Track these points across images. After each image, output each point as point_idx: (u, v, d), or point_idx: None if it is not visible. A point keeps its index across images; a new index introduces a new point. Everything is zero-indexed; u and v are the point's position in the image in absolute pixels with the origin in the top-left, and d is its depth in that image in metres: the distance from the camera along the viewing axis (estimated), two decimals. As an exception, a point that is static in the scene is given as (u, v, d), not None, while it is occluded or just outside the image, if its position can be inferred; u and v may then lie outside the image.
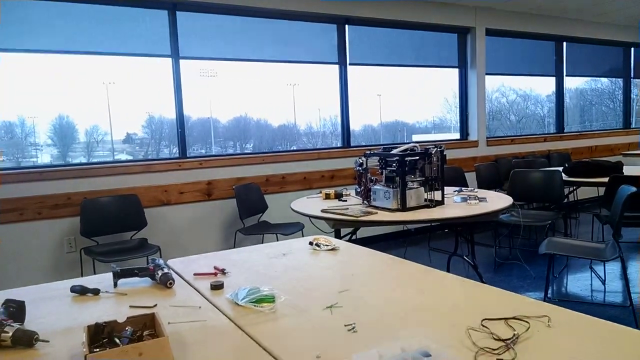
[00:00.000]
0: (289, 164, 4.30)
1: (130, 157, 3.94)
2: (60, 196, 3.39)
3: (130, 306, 1.31)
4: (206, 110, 4.17)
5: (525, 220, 3.67)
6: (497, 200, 2.79)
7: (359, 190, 2.93)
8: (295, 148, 4.63)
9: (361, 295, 1.33)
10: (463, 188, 3.34)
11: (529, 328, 1.06)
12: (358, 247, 1.88)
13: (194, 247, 3.87)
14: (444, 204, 2.72)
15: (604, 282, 3.42)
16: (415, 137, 5.44)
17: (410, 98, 5.30)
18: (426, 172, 2.65)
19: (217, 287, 1.42)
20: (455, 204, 2.74)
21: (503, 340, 1.00)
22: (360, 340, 1.05)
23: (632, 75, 7.10)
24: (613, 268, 3.67)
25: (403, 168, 2.57)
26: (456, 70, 5.46)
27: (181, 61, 3.84)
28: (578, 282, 3.47)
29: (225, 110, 4.29)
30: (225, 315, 1.23)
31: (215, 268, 1.61)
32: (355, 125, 4.83)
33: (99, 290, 1.43)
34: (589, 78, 6.93)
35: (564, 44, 6.26)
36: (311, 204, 2.99)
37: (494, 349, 0.97)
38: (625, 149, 6.70)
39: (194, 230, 3.90)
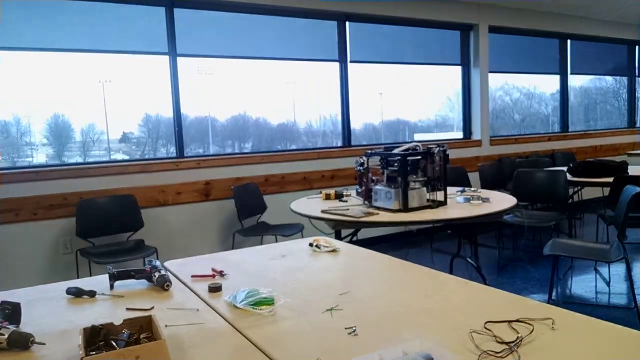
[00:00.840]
0: (288, 164, 4.28)
1: (126, 157, 3.93)
2: (56, 196, 3.38)
3: (127, 308, 1.30)
4: (204, 108, 4.15)
5: (529, 221, 3.65)
6: (500, 201, 2.77)
7: (359, 190, 2.91)
8: (294, 147, 4.62)
9: (362, 298, 1.31)
10: (466, 188, 3.32)
11: (532, 331, 1.05)
12: (359, 249, 1.86)
13: (192, 248, 3.85)
14: (446, 204, 2.70)
15: (608, 284, 3.40)
16: (417, 136, 5.42)
17: (412, 96, 5.28)
18: (428, 172, 2.63)
19: (215, 289, 1.41)
20: (458, 205, 2.72)
21: (506, 343, 0.99)
22: (361, 343, 1.04)
23: (636, 74, 7.08)
24: (618, 269, 3.65)
25: (405, 168, 2.55)
26: (459, 68, 5.44)
27: (178, 59, 3.83)
28: (582, 284, 3.44)
29: (223, 109, 4.28)
30: (224, 318, 1.22)
31: (213, 270, 1.60)
32: (356, 124, 4.82)
33: (95, 292, 1.42)
34: (593, 76, 6.91)
35: (568, 41, 6.25)
36: (311, 204, 2.97)
37: (497, 352, 0.96)
38: (630, 149, 6.67)
39: (192, 231, 3.89)
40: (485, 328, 1.07)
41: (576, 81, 6.63)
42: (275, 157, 4.24)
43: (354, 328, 1.11)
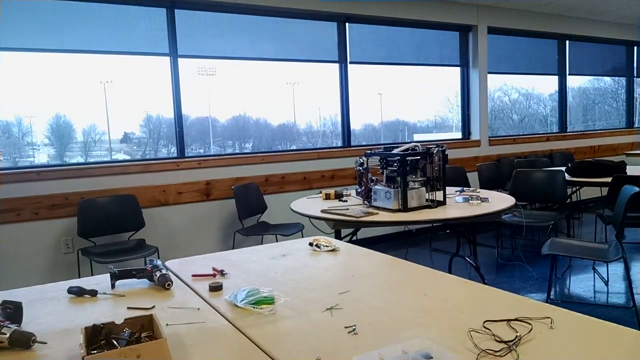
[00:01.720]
0: (288, 164, 4.29)
1: (128, 157, 3.93)
2: (57, 196, 3.38)
3: (128, 307, 1.30)
4: (205, 109, 4.16)
5: (528, 221, 3.65)
6: (499, 201, 2.78)
7: (359, 190, 2.91)
8: (295, 148, 4.62)
9: (362, 297, 1.32)
10: (465, 188, 3.32)
11: (531, 330, 1.05)
12: (358, 248, 1.87)
13: (193, 248, 3.86)
14: (445, 204, 2.71)
15: (606, 283, 3.41)
16: (417, 137, 5.43)
17: (412, 97, 5.29)
18: (428, 172, 2.64)
19: (215, 288, 1.42)
20: (457, 204, 2.72)
21: (505, 342, 0.99)
22: (360, 342, 1.05)
23: (635, 74, 7.09)
24: (616, 269, 3.66)
25: (404, 168, 2.55)
26: (458, 69, 5.45)
27: (179, 60, 3.83)
28: (581, 283, 3.45)
29: (224, 110, 4.28)
30: (224, 317, 1.22)
31: (213, 269, 1.60)
32: (355, 125, 4.82)
33: (97, 291, 1.42)
34: (591, 77, 6.91)
35: (567, 42, 6.25)
36: (311, 204, 2.98)
37: (496, 351, 0.96)
38: (628, 149, 6.68)
39: (193, 231, 3.89)
40: (484, 327, 1.07)
41: (574, 82, 6.64)
42: (275, 157, 4.24)
43: (353, 327, 1.12)
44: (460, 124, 5.56)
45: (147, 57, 3.77)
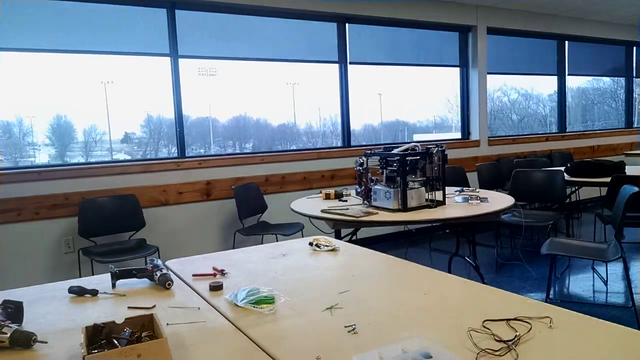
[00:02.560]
0: (288, 164, 4.29)
1: (128, 157, 3.94)
2: (58, 196, 3.38)
3: (129, 307, 1.31)
4: (205, 109, 4.16)
5: (527, 221, 3.66)
6: (498, 201, 2.78)
7: (359, 190, 2.92)
8: (295, 148, 4.63)
9: (362, 296, 1.32)
10: (464, 188, 3.33)
11: (530, 329, 1.05)
12: (358, 248, 1.87)
13: (193, 247, 3.86)
14: (445, 204, 2.71)
15: (606, 283, 3.41)
16: (416, 137, 5.43)
17: (411, 97, 5.29)
18: (427, 172, 2.64)
19: (216, 288, 1.42)
20: (457, 204, 2.73)
21: (504, 342, 0.99)
22: (360, 341, 1.05)
23: (634, 75, 7.09)
24: (615, 269, 3.66)
25: (404, 168, 2.55)
26: (457, 69, 5.45)
27: (180, 60, 3.84)
28: (580, 283, 3.45)
29: (224, 110, 4.29)
30: (225, 317, 1.22)
31: (214, 269, 1.60)
32: (355, 125, 4.82)
33: (97, 291, 1.42)
34: (591, 77, 6.92)
35: (566, 42, 6.25)
36: (311, 204, 2.98)
37: (495, 350, 0.96)
38: (627, 149, 6.68)
39: (193, 230, 3.89)
40: (484, 326, 1.08)
41: (574, 82, 6.65)
42: (275, 157, 4.25)
43: (353, 326, 1.12)
44: (460, 124, 5.57)
45: (147, 58, 3.78)
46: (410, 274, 1.51)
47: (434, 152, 2.64)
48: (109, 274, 1.50)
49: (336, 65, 4.62)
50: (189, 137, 4.02)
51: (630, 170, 3.84)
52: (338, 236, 3.08)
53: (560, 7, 5.58)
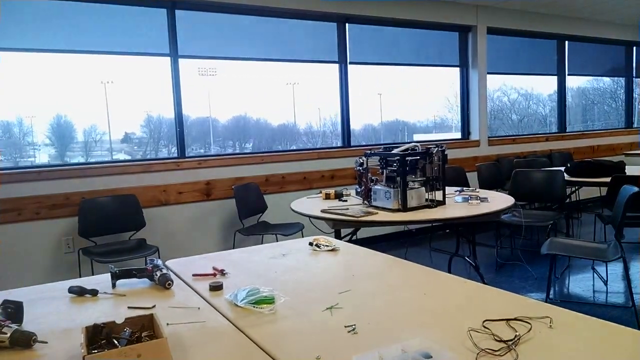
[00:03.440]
0: (288, 164, 4.29)
1: (128, 157, 3.94)
2: (58, 196, 3.38)
3: (129, 307, 1.31)
4: (205, 109, 4.16)
5: (527, 221, 3.66)
6: (498, 200, 2.78)
7: (359, 190, 2.92)
8: (295, 148, 4.63)
9: (361, 296, 1.32)
10: (464, 188, 3.33)
11: (530, 329, 1.05)
12: (358, 248, 1.87)
13: (193, 247, 3.86)
14: (445, 204, 2.71)
15: (606, 283, 3.41)
16: (416, 137, 5.44)
17: (411, 97, 5.30)
18: (427, 172, 2.64)
19: (216, 288, 1.42)
20: (457, 204, 2.73)
21: (504, 342, 1.00)
22: (360, 341, 1.05)
23: (634, 75, 7.09)
24: (615, 269, 3.66)
25: (404, 168, 2.56)
26: (457, 69, 5.45)
27: (180, 60, 3.84)
28: (580, 283, 3.45)
29: (224, 110, 4.29)
30: (225, 317, 1.22)
31: (214, 269, 1.60)
32: (355, 125, 4.82)
33: (97, 291, 1.42)
34: (591, 77, 6.92)
35: (566, 42, 6.25)
36: (311, 204, 2.98)
37: (495, 350, 0.96)
38: (627, 149, 6.68)
39: (193, 230, 3.89)
40: (484, 326, 1.08)
41: (574, 82, 6.65)
42: (275, 157, 4.25)
43: (353, 326, 1.12)
44: (460, 124, 5.57)
45: (147, 58, 3.78)
46: (410, 274, 1.51)
47: (434, 152, 2.64)
48: (109, 274, 1.50)
49: (336, 65, 4.62)
50: (189, 137, 4.02)
51: (630, 170, 3.84)
52: (338, 236, 3.08)
53: (560, 7, 5.58)
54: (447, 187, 2.79)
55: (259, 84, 4.34)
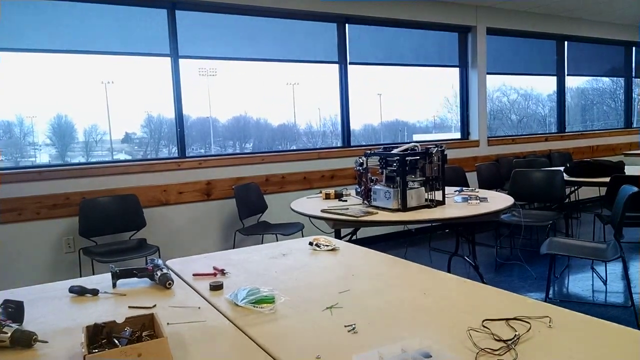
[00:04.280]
0: (288, 164, 4.29)
1: (129, 157, 3.94)
2: (58, 196, 3.38)
3: (129, 307, 1.31)
4: (205, 109, 4.16)
5: (527, 221, 3.66)
6: (498, 200, 2.78)
7: (359, 190, 2.92)
8: (295, 148, 4.63)
9: (361, 296, 1.32)
10: (464, 188, 3.33)
11: (530, 329, 1.05)
12: (358, 248, 1.87)
13: (193, 247, 3.86)
14: (444, 204, 2.71)
15: (605, 283, 3.41)
16: (416, 137, 5.44)
17: (411, 97, 5.30)
18: (427, 172, 2.64)
19: (216, 287, 1.42)
20: (456, 204, 2.73)
21: (504, 341, 1.00)
22: (360, 340, 1.05)
23: (633, 75, 7.09)
24: (614, 268, 3.66)
25: (404, 168, 2.56)
26: (457, 70, 5.45)
27: (180, 60, 3.84)
28: (579, 283, 3.46)
29: (224, 110, 4.29)
30: (225, 316, 1.22)
31: (214, 268, 1.60)
32: (355, 125, 4.83)
33: (98, 290, 1.42)
34: (590, 77, 6.92)
35: (566, 43, 6.25)
36: (311, 204, 2.98)
37: (494, 350, 0.96)
38: (626, 149, 6.69)
39: (193, 230, 3.90)
40: (483, 326, 1.08)
41: (573, 82, 6.65)
42: (275, 157, 4.25)
43: (353, 326, 1.12)
44: (459, 124, 5.57)
45: (148, 58, 3.78)
46: (410, 274, 1.51)
47: (434, 152, 2.64)
48: (110, 273, 1.50)
49: (336, 66, 4.62)
50: (189, 137, 4.02)
51: (629, 170, 3.84)
52: (338, 236, 3.08)
53: (559, 8, 5.59)
54: (446, 187, 2.79)
55: (259, 84, 4.34)
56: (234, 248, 2.02)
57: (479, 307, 1.20)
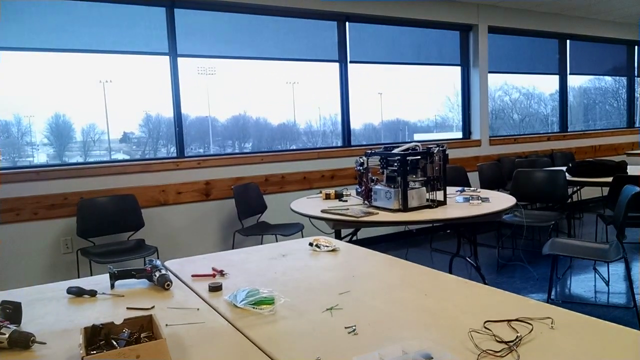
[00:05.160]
0: (288, 164, 4.28)
1: (127, 157, 3.93)
2: (56, 196, 3.38)
3: (128, 308, 1.30)
4: (204, 108, 4.15)
5: (529, 221, 3.65)
6: (499, 201, 2.77)
7: (359, 190, 2.91)
8: (295, 147, 4.62)
9: (362, 297, 1.31)
10: (465, 188, 3.32)
11: (532, 330, 1.05)
12: (359, 248, 1.86)
13: (192, 248, 3.86)
14: (446, 204, 2.70)
15: (607, 283, 3.40)
16: (417, 136, 5.43)
17: (412, 96, 5.29)
18: (428, 171, 2.63)
19: (215, 288, 1.41)
20: (458, 204, 2.72)
21: (506, 342, 0.99)
22: (361, 342, 1.04)
23: (636, 74, 7.08)
24: (617, 269, 3.65)
25: (404, 168, 2.55)
26: (458, 68, 5.45)
27: (179, 59, 3.83)
28: (582, 283, 3.45)
29: (223, 109, 4.28)
30: (224, 318, 1.22)
31: (213, 269, 1.60)
32: (355, 124, 4.82)
33: (96, 291, 1.42)
34: (592, 76, 6.91)
35: (568, 41, 6.24)
36: (311, 204, 2.97)
37: (496, 351, 0.96)
38: (629, 149, 6.68)
39: (192, 231, 3.89)
40: (485, 327, 1.07)
41: (575, 81, 6.64)
42: (275, 157, 4.24)
43: (353, 327, 1.11)
44: (461, 124, 5.56)
45: (146, 57, 3.77)
46: (411, 275, 1.50)
47: (435, 151, 2.63)
48: (108, 274, 1.49)
49: (336, 64, 4.61)
50: (188, 136, 4.01)
51: (632, 170, 3.83)
52: (338, 236, 3.07)
53: (561, 6, 5.58)
54: (448, 187, 2.78)
55: (258, 83, 4.33)
56: (233, 249, 2.01)
57: (481, 308, 1.19)
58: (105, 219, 3.41)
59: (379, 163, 2.71)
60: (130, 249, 3.36)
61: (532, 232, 4.79)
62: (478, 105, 5.41)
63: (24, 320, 1.21)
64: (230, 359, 1.00)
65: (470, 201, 2.76)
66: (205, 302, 1.33)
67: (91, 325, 1.04)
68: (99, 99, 3.65)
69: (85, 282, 1.50)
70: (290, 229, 3.68)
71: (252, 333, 1.11)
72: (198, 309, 1.27)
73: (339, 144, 4.74)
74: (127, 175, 3.62)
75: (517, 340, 1.00)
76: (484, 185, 4.37)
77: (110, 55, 3.64)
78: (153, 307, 1.29)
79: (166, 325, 1.16)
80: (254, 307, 1.24)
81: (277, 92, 4.45)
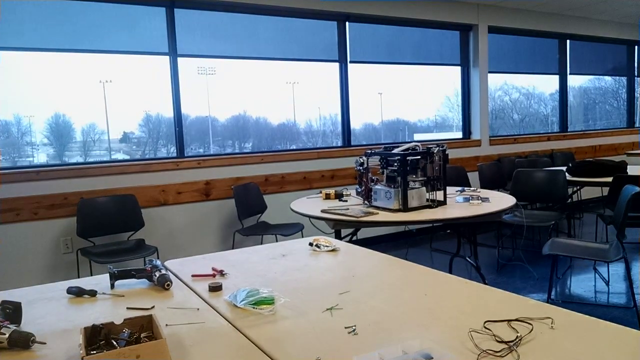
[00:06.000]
0: (288, 164, 4.28)
1: (127, 157, 3.93)
2: (56, 196, 3.38)
3: (128, 308, 1.30)
4: (204, 108, 4.15)
5: (529, 221, 3.65)
6: (500, 201, 2.77)
7: (359, 190, 2.91)
8: (294, 147, 4.62)
9: (362, 297, 1.31)
10: (465, 188, 3.32)
11: (532, 330, 1.05)
12: (359, 248, 1.86)
13: (192, 248, 3.86)
14: (446, 204, 2.70)
15: (607, 283, 3.40)
16: (417, 136, 5.43)
17: (412, 96, 5.29)
18: (428, 171, 2.63)
19: (215, 288, 1.41)
20: (458, 204, 2.72)
21: (506, 343, 0.99)
22: (361, 342, 1.04)
23: (636, 74, 7.08)
24: (617, 269, 3.65)
25: (404, 168, 2.55)
26: (458, 68, 5.44)
27: (179, 59, 3.83)
28: (582, 283, 3.44)
29: (223, 109, 4.28)
30: (224, 318, 1.22)
31: (213, 269, 1.60)
32: (355, 124, 4.82)
33: (96, 291, 1.42)
34: (592, 76, 6.91)
35: (568, 41, 6.24)
36: (311, 204, 2.97)
37: (496, 351, 0.96)
38: (629, 149, 6.68)
39: (192, 231, 3.89)
40: (485, 327, 1.07)
41: (575, 81, 6.64)
42: (275, 157, 4.24)
43: (353, 327, 1.11)
44: (461, 124, 5.56)
45: (146, 57, 3.77)
46: (410, 275, 1.50)
47: (435, 151, 2.63)
48: (108, 274, 1.49)
49: (336, 64, 4.61)
50: (188, 136, 4.01)
51: (632, 170, 3.83)
52: (338, 236, 3.07)
53: (561, 6, 5.58)
54: (448, 187, 2.78)
55: (258, 83, 4.33)
56: (233, 249, 2.01)
57: (481, 308, 1.19)
58: (105, 219, 3.41)
59: (379, 163, 2.71)
60: (130, 249, 3.36)
61: (532, 232, 4.79)
62: (478, 105, 5.40)
63: (24, 320, 1.20)
64: (230, 359, 1.00)
65: (470, 201, 2.76)
66: (205, 302, 1.33)
67: (91, 325, 1.04)
68: (99, 99, 3.65)
69: (85, 282, 1.50)
70: (290, 229, 3.68)
71: (252, 333, 1.11)
72: (198, 309, 1.27)
73: (339, 144, 4.74)
74: (127, 175, 3.62)
75: (517, 340, 1.00)
76: (484, 185, 4.37)
77: (110, 55, 3.64)
78: (153, 307, 1.29)
79: (166, 325, 1.16)
80: (254, 307, 1.24)
81: (277, 92, 4.45)
